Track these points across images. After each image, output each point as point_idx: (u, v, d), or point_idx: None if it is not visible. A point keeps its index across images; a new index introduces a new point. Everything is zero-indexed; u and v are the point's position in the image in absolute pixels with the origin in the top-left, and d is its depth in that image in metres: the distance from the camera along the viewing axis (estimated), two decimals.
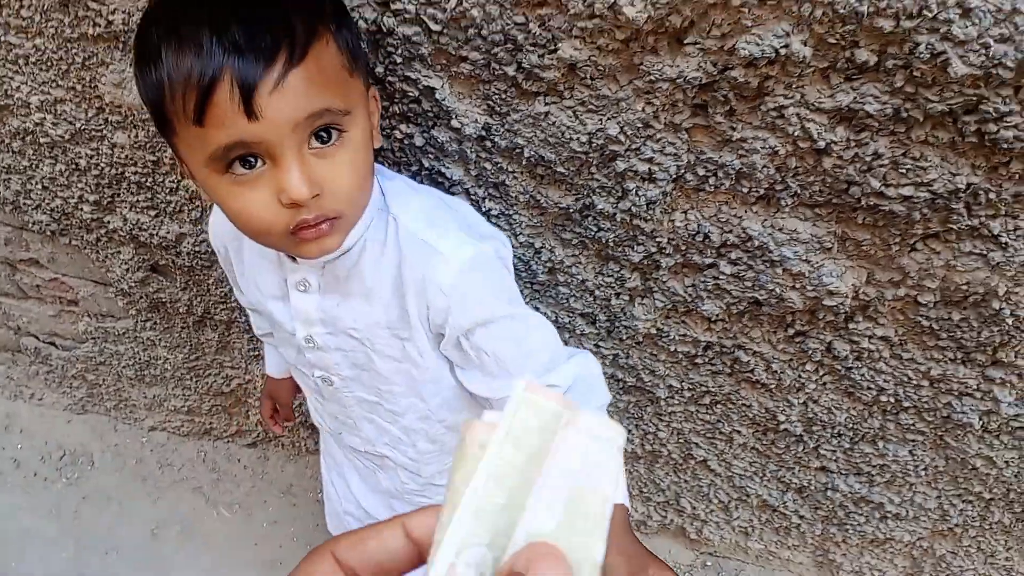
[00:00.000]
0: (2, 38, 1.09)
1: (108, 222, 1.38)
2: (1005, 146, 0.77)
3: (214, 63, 0.66)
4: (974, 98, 0.75)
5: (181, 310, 1.58)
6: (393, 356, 0.93)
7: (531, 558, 0.30)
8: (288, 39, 0.68)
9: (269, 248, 0.87)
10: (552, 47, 0.84)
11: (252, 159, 0.71)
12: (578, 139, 0.93)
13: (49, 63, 1.11)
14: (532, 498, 0.32)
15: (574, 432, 0.33)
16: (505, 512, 0.32)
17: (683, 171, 0.93)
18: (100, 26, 1.02)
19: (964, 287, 0.92)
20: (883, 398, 1.13)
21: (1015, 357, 0.99)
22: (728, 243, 1.00)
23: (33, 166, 1.31)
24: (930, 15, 0.69)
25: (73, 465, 2.03)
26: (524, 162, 0.99)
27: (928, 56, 0.72)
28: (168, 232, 1.35)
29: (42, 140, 1.24)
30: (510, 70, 0.88)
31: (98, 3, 0.99)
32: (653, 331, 1.19)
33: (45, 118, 1.20)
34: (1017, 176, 0.80)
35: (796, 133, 0.84)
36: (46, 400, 2.09)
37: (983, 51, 0.70)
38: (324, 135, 0.72)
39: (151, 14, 0.73)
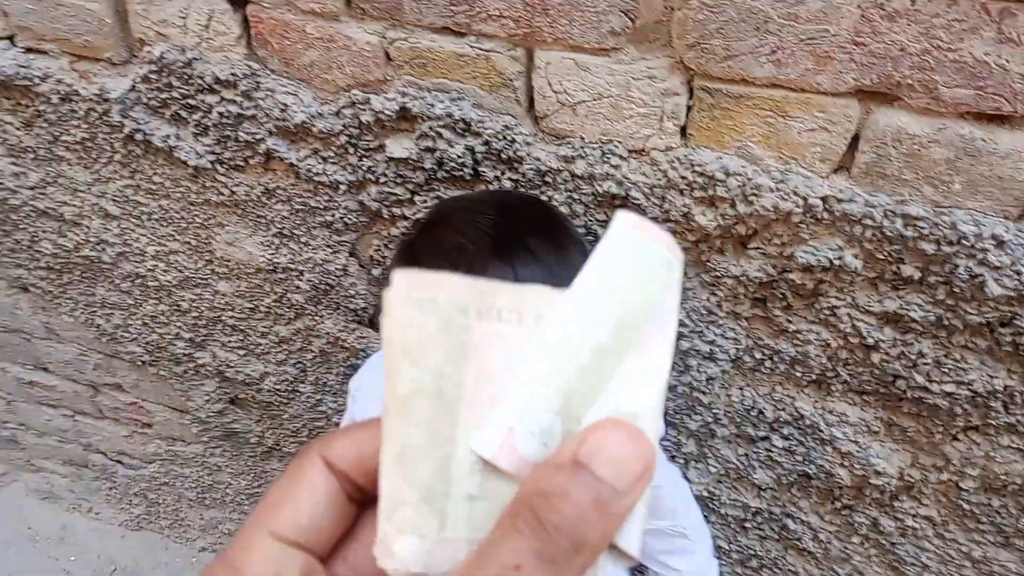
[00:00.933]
0: (131, 197, 1.24)
1: (198, 358, 1.49)
2: None
3: None
4: (1008, 314, 0.83)
5: (252, 440, 1.67)
6: None
7: (602, 441, 0.23)
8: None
9: None
10: None
11: None
12: None
13: (170, 220, 1.25)
14: (625, 366, 0.25)
15: (678, 287, 0.26)
16: (587, 376, 0.24)
17: (742, 353, 1.02)
18: (224, 195, 1.15)
19: (1003, 476, 0.99)
20: (927, 575, 1.17)
21: None
22: (781, 420, 1.08)
23: (137, 304, 1.44)
24: (968, 244, 0.79)
25: None
26: None
27: (967, 276, 0.82)
28: (253, 371, 1.46)
29: (150, 283, 1.37)
30: None
31: (226, 177, 1.13)
32: (705, 494, 1.25)
33: (157, 265, 1.33)
34: None
35: (847, 330, 0.93)
36: (103, 515, 2.16)
37: (1016, 276, 0.79)
38: None
39: (435, 241, 0.78)
